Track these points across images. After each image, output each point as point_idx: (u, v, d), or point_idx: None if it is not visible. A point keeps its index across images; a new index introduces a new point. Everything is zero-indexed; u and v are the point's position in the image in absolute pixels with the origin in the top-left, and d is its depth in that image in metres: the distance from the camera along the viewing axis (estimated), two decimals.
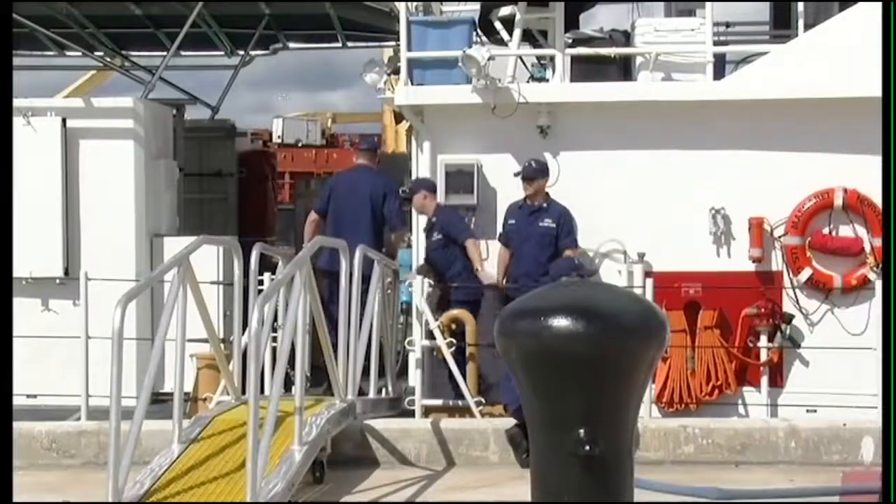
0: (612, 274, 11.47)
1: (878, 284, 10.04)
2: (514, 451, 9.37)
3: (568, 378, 3.63)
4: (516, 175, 11.28)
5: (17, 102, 12.09)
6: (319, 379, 10.31)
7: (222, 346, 10.19)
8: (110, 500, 6.87)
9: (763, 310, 11.40)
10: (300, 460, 7.78)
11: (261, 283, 10.18)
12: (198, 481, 7.52)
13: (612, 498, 3.68)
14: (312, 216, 11.99)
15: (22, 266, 11.93)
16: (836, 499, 8.04)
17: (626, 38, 12.35)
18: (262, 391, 7.97)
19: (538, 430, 3.77)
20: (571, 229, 11.19)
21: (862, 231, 11.47)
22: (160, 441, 8.49)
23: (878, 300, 10.09)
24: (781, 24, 13.16)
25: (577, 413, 3.64)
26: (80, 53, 15.43)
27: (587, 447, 3.61)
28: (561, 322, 3.59)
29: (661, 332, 3.74)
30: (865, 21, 10.89)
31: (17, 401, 8.75)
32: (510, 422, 9.57)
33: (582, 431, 3.62)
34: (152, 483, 7.45)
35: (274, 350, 9.57)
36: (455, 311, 11.31)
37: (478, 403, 10.62)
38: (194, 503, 7.24)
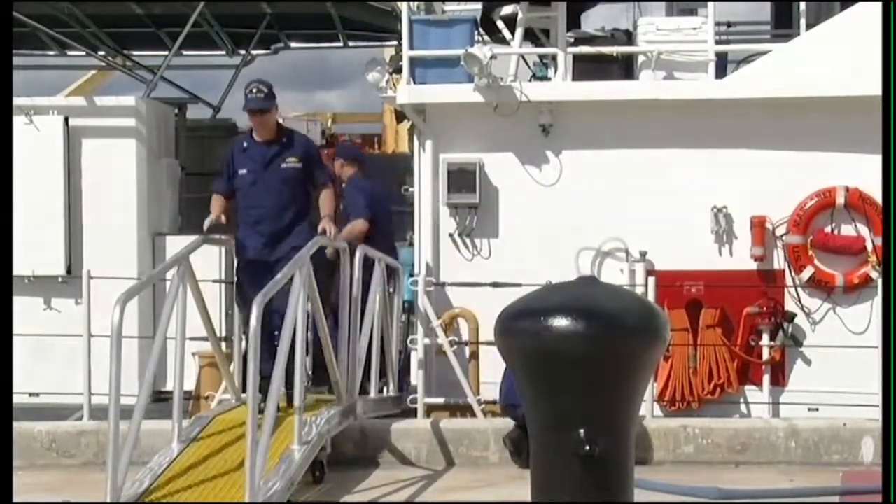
0: (613, 272, 11.45)
1: (880, 283, 10.02)
2: (517, 456, 9.30)
3: (568, 378, 3.63)
4: None
5: (20, 101, 12.11)
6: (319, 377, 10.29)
7: (223, 345, 10.18)
8: (109, 499, 6.87)
9: (765, 308, 11.38)
10: (299, 460, 7.78)
11: None
12: (197, 480, 7.53)
13: (612, 498, 3.68)
14: None
15: (24, 265, 11.95)
16: (836, 499, 8.03)
17: (628, 37, 12.35)
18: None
19: (538, 430, 3.77)
20: None
21: (864, 230, 11.45)
22: (160, 440, 8.49)
23: (879, 299, 10.07)
24: (783, 24, 13.14)
25: (577, 413, 3.64)
26: (81, 53, 15.41)
27: (587, 447, 3.61)
28: (561, 322, 3.59)
29: (661, 332, 3.74)
30: (867, 21, 10.87)
31: (20, 399, 8.79)
32: (510, 422, 9.54)
33: (582, 431, 3.62)
34: (151, 482, 7.45)
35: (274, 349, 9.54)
36: (457, 310, 11.30)
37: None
38: (193, 503, 7.24)
